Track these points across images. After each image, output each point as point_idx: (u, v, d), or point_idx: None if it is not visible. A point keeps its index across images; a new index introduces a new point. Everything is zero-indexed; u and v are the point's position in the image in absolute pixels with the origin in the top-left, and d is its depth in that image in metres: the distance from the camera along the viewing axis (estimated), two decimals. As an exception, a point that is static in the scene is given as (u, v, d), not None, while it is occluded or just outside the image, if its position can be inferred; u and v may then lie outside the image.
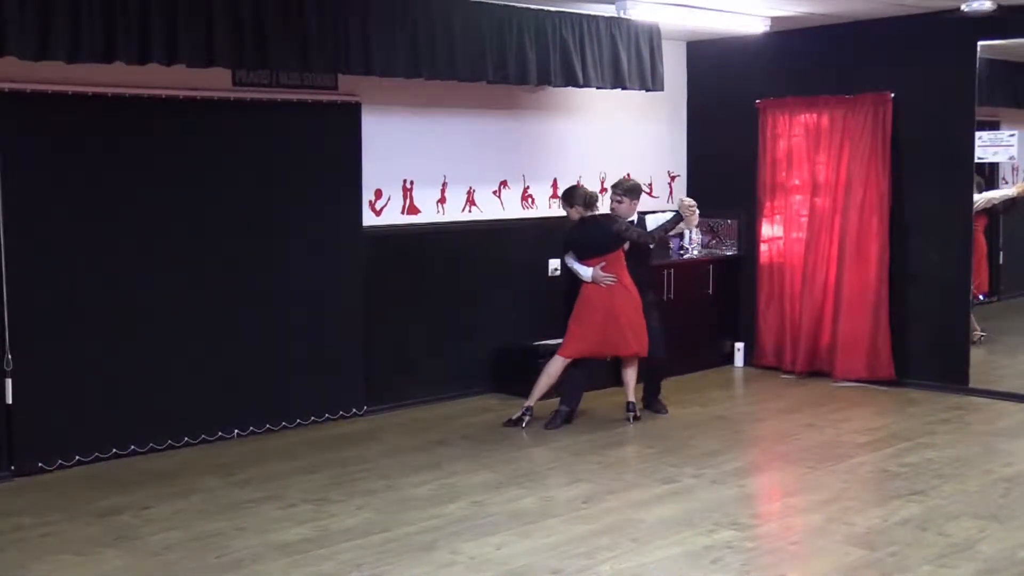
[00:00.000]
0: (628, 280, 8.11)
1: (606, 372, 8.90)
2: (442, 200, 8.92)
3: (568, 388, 8.29)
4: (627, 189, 8.35)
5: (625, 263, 8.16)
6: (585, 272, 8.13)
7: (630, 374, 8.34)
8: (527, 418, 8.13)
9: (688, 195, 10.64)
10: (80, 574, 5.38)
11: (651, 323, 8.28)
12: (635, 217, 8.36)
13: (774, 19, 9.14)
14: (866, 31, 9.33)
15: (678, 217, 8.19)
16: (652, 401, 8.69)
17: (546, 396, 8.27)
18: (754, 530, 5.98)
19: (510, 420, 8.18)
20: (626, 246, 8.19)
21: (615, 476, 6.94)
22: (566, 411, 8.23)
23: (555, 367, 8.21)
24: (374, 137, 8.36)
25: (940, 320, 9.23)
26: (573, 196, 8.25)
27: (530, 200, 9.55)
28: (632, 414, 8.32)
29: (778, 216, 10.08)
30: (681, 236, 10.13)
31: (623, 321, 8.09)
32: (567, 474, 6.99)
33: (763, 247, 10.17)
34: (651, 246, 8.46)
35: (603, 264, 8.07)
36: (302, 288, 8.01)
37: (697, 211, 8.21)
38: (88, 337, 7.11)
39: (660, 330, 8.43)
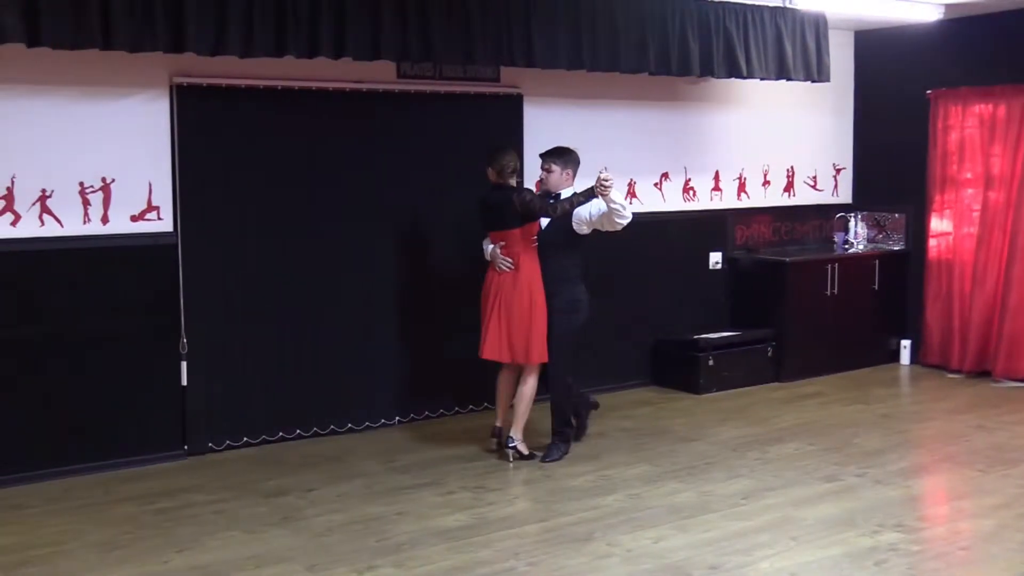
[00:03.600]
0: (530, 270, 6.86)
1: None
2: (602, 192, 8.90)
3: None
4: (557, 154, 7.02)
5: (535, 249, 6.90)
6: (485, 248, 7.10)
7: (520, 391, 7.05)
8: (495, 440, 7.20)
9: (853, 188, 10.45)
10: (248, 551, 5.56)
11: (552, 330, 6.94)
12: (571, 191, 6.93)
13: (948, 6, 8.83)
14: (1046, 17, 8.96)
15: (591, 192, 6.64)
16: (578, 433, 7.51)
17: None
18: (920, 533, 5.80)
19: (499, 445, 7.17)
20: (543, 223, 6.92)
21: (775, 473, 6.83)
22: (563, 436, 7.19)
23: (499, 380, 7.26)
24: (535, 129, 8.39)
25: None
26: (491, 157, 6.97)
27: (691, 192, 9.46)
28: (507, 448, 7.00)
29: (948, 211, 9.75)
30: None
31: (509, 319, 6.87)
32: (726, 469, 6.91)
33: (932, 242, 9.85)
34: (575, 224, 6.91)
35: (503, 244, 6.90)
36: (462, 279, 8.08)
37: (612, 186, 6.54)
38: (258, 323, 7.34)
39: (559, 344, 6.95)
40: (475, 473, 6.83)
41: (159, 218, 6.98)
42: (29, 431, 6.62)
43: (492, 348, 6.94)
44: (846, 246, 10.19)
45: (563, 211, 6.78)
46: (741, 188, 9.80)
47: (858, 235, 10.23)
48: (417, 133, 7.85)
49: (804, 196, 10.25)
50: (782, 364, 9.40)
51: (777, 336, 9.40)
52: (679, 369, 9.03)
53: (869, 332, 10.00)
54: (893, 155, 10.11)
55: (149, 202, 6.95)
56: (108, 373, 6.86)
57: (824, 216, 10.36)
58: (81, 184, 6.72)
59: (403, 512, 6.10)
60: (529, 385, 7.03)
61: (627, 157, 9.00)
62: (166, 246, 7.00)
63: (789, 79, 8.82)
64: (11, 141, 6.48)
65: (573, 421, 7.38)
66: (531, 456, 7.03)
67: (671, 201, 9.33)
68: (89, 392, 6.81)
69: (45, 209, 6.62)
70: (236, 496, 6.41)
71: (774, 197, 10.04)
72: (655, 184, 9.23)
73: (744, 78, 8.61)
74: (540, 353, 6.91)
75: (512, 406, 7.12)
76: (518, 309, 6.84)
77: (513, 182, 6.98)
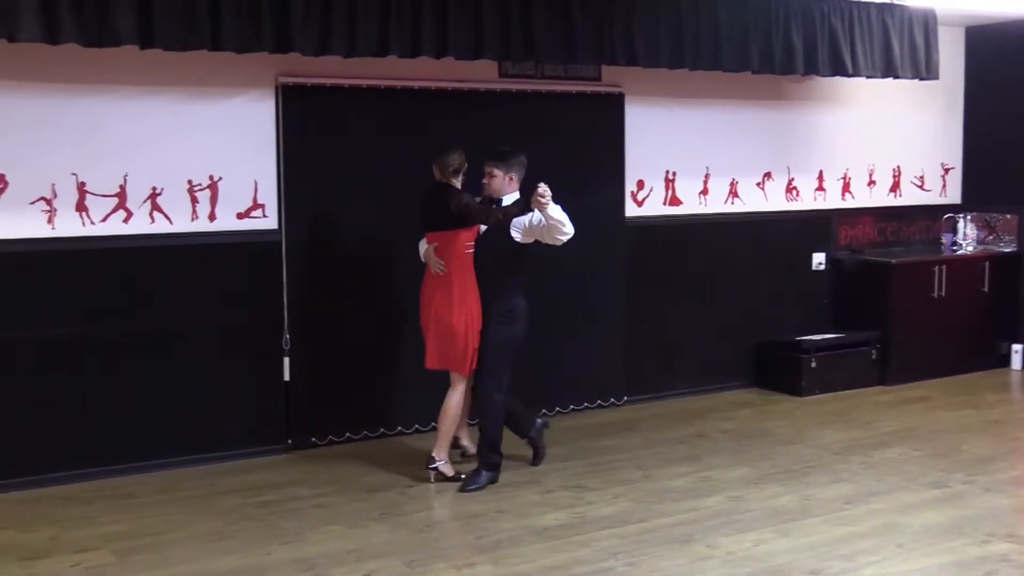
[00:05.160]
0: (461, 277, 6.48)
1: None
2: (704, 191, 8.84)
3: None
4: (500, 158, 6.56)
5: (470, 255, 6.53)
6: (421, 247, 6.77)
7: (443, 405, 6.63)
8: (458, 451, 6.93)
9: (963, 188, 10.22)
10: (349, 545, 5.63)
11: (485, 339, 6.53)
12: (514, 198, 6.53)
13: (1064, 0, 8.60)
14: None
15: (524, 203, 6.34)
16: (536, 458, 7.00)
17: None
18: (1032, 543, 5.65)
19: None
20: (483, 229, 6.54)
21: (879, 478, 6.70)
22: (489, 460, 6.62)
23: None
24: (637, 128, 8.37)
25: None
26: (438, 154, 6.64)
27: (794, 192, 9.34)
28: (429, 468, 6.59)
29: (1063, 211, 9.48)
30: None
31: (435, 326, 6.53)
32: (828, 473, 6.79)
33: (1045, 244, 9.60)
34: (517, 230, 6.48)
35: (436, 245, 6.54)
36: (565, 278, 8.10)
37: (548, 200, 6.13)
38: (360, 320, 7.42)
39: (490, 354, 6.52)
40: (574, 472, 6.82)
41: (264, 215, 7.11)
42: (139, 423, 6.79)
43: (431, 357, 6.62)
44: (954, 247, 9.96)
45: (496, 220, 6.40)
46: (846, 188, 9.64)
47: (967, 236, 10.00)
48: (518, 132, 7.84)
49: (911, 196, 10.05)
50: (887, 367, 9.22)
51: (882, 338, 9.22)
52: (781, 371, 8.93)
53: (978, 336, 9.75)
54: (1004, 154, 9.86)
55: (255, 200, 7.08)
56: (214, 367, 7.00)
57: (931, 217, 10.14)
58: (190, 182, 6.87)
59: (502, 510, 6.12)
60: (451, 400, 6.58)
61: (729, 156, 8.92)
62: (271, 243, 7.12)
63: (896, 77, 8.68)
64: (124, 141, 6.65)
65: (530, 446, 6.98)
66: (455, 478, 6.56)
67: (773, 201, 9.22)
68: (195, 386, 6.96)
69: (155, 206, 6.78)
70: (338, 491, 6.50)
71: (880, 197, 9.86)
72: (757, 184, 9.13)
73: (849, 76, 8.49)
74: (460, 364, 6.50)
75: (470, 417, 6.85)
76: (445, 315, 6.47)
77: (457, 182, 6.59)
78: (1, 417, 6.41)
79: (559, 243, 6.45)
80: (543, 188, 6.14)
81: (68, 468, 6.58)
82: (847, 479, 6.67)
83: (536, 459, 6.97)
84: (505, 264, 6.53)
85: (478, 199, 6.60)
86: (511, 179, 6.55)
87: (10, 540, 5.66)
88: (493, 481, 6.56)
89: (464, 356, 6.49)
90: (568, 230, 6.36)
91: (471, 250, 6.53)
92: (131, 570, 5.28)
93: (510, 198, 6.52)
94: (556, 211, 6.24)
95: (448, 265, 6.47)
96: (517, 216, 6.38)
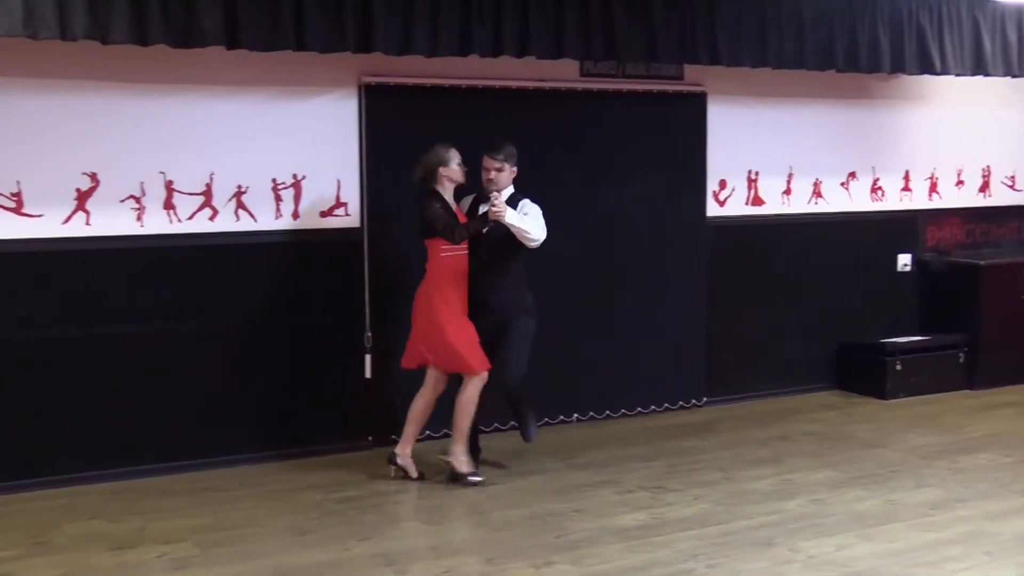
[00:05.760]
0: (434, 280, 6.47)
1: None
2: (787, 191, 8.75)
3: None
4: (506, 150, 6.52)
5: (444, 259, 6.45)
6: None
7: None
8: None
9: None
10: (428, 541, 5.67)
11: (518, 331, 6.57)
12: (511, 191, 6.52)
13: None
14: None
15: (485, 218, 6.30)
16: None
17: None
18: None
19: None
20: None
21: (967, 484, 6.56)
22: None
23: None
24: (719, 127, 8.30)
25: None
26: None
27: (879, 192, 9.20)
28: (393, 466, 6.65)
29: None
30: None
31: (415, 324, 6.59)
32: (914, 478, 6.68)
33: None
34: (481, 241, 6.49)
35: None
36: (646, 277, 8.06)
37: (502, 213, 6.16)
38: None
39: (524, 347, 6.58)
40: (654, 473, 6.78)
41: (347, 214, 7.17)
42: (222, 418, 6.90)
43: (408, 355, 6.65)
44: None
45: (461, 237, 6.36)
46: (933, 188, 9.47)
47: (1059, 237, 9.78)
48: (599, 132, 7.84)
49: (1001, 197, 9.84)
50: (975, 371, 9.04)
51: (970, 342, 9.05)
52: (865, 373, 8.80)
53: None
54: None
55: (337, 198, 7.15)
56: (296, 364, 7.08)
57: (1023, 218, 9.92)
58: (274, 181, 6.96)
59: (581, 509, 6.11)
60: (423, 397, 6.62)
61: (812, 156, 8.82)
62: (353, 242, 7.18)
63: (987, 75, 8.51)
64: (210, 140, 6.76)
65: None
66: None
67: (858, 201, 9.09)
68: (278, 383, 7.05)
69: (240, 204, 6.88)
70: (417, 487, 6.54)
71: (968, 197, 9.68)
72: (841, 183, 9.01)
73: (938, 74, 8.34)
74: (449, 363, 6.50)
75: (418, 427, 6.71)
76: (422, 317, 6.52)
77: (442, 186, 6.48)
78: (92, 410, 6.56)
79: (532, 247, 6.43)
80: (496, 201, 6.19)
81: (154, 461, 6.70)
82: (933, 484, 6.55)
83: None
84: (518, 259, 6.55)
85: (472, 197, 6.56)
86: (513, 172, 6.55)
87: (100, 530, 5.79)
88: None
89: (460, 357, 6.44)
90: (535, 236, 6.36)
91: (444, 255, 6.45)
92: (214, 562, 5.36)
93: (507, 193, 6.47)
94: (516, 219, 6.26)
95: (428, 270, 6.50)
96: (478, 231, 6.37)
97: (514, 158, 6.56)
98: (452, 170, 6.51)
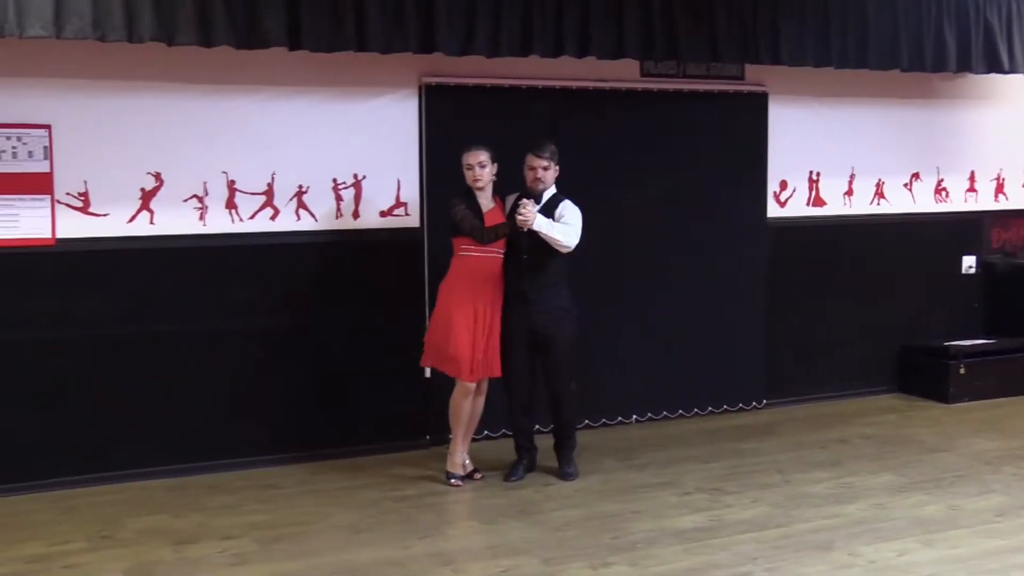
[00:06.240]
0: (457, 280, 6.44)
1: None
2: (849, 192, 8.66)
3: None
4: (550, 149, 6.47)
5: (463, 258, 6.43)
6: None
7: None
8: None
9: None
10: (486, 541, 5.68)
11: (568, 339, 6.57)
12: (553, 191, 6.50)
13: None
14: None
15: (512, 222, 6.30)
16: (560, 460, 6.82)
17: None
18: None
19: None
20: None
21: (1033, 490, 6.48)
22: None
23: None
24: (780, 127, 8.24)
25: None
26: None
27: (944, 193, 9.08)
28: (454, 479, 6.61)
29: None
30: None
31: (431, 321, 6.67)
32: (978, 483, 6.58)
33: None
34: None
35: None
36: (705, 278, 8.02)
37: (530, 220, 6.18)
38: (498, 318, 7.45)
39: (572, 355, 6.61)
40: (712, 475, 6.75)
41: (406, 214, 7.21)
42: (281, 416, 6.97)
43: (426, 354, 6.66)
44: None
45: (491, 239, 6.32)
46: (999, 189, 9.32)
47: None
48: (660, 131, 7.81)
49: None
50: (1041, 375, 8.90)
51: (1035, 345, 8.91)
52: (927, 376, 8.68)
53: None
54: None
55: (397, 198, 7.19)
56: (356, 363, 7.13)
57: (1093, 220, 9.76)
58: (335, 180, 7.01)
59: (639, 511, 6.09)
60: (452, 397, 6.60)
61: (875, 156, 8.72)
62: (412, 241, 7.21)
63: (1057, 73, 8.36)
64: (272, 140, 6.82)
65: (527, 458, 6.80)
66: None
67: (921, 202, 8.98)
68: (337, 381, 7.10)
69: (301, 204, 6.94)
70: (475, 487, 6.56)
71: (1036, 199, 9.53)
72: (905, 184, 8.90)
73: (1006, 73, 8.21)
74: (439, 360, 6.53)
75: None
76: (436, 314, 6.55)
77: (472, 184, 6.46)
78: (155, 407, 6.65)
79: (564, 252, 6.40)
80: (522, 210, 6.18)
81: (215, 458, 6.78)
82: (998, 490, 6.45)
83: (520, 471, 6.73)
84: (558, 258, 6.45)
85: (516, 195, 6.48)
86: (556, 171, 6.50)
87: (163, 524, 5.88)
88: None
89: (454, 360, 6.41)
90: (565, 243, 6.34)
91: (465, 254, 6.43)
92: (273, 559, 5.41)
93: (549, 192, 6.46)
94: (544, 226, 6.25)
95: (450, 267, 6.50)
96: (506, 234, 6.34)
97: (557, 156, 6.51)
98: (466, 172, 6.49)
